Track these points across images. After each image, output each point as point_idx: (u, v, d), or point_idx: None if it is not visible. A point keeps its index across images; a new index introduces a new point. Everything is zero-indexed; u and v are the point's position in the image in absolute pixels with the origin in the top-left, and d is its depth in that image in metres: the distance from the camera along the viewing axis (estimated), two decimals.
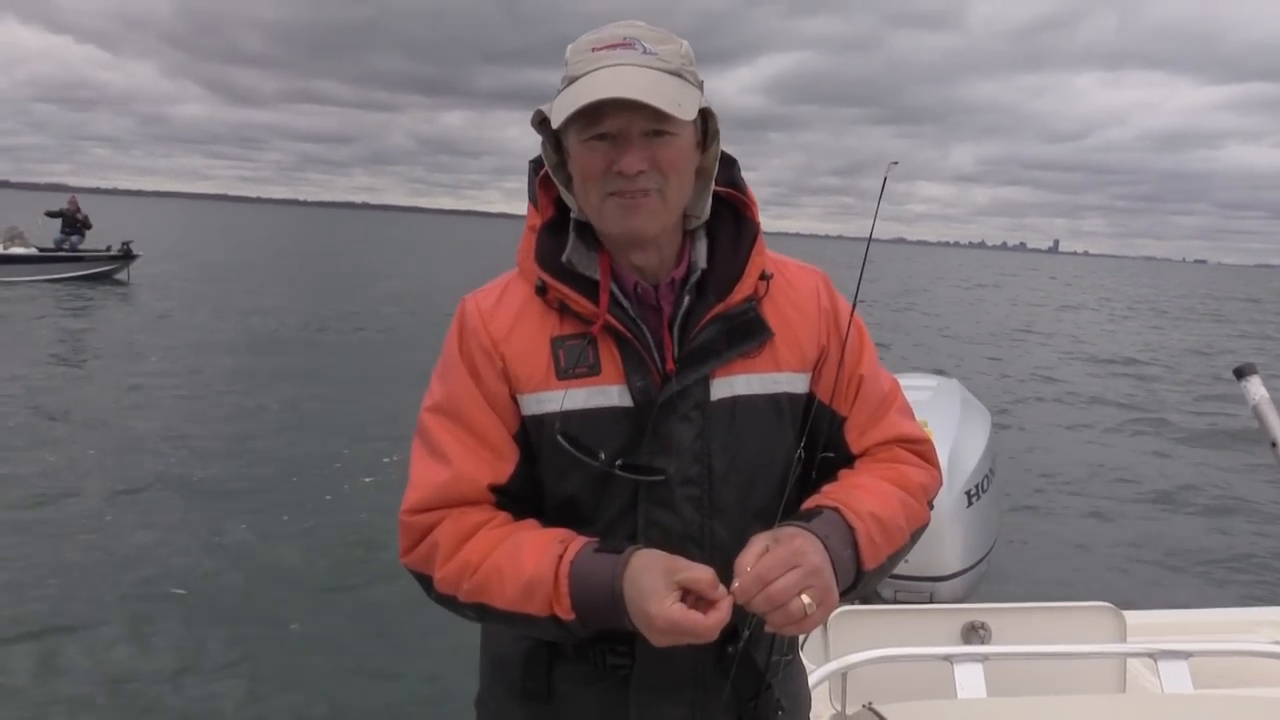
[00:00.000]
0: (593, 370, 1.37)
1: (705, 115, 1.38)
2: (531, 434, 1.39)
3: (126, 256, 27.41)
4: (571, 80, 1.32)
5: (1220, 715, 1.85)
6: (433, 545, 1.36)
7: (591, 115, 1.29)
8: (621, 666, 1.41)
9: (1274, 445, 1.62)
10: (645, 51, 1.32)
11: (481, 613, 1.35)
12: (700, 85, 1.38)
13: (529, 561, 1.29)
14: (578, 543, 1.31)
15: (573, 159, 1.36)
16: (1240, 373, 1.64)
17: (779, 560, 1.21)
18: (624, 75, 1.29)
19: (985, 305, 38.04)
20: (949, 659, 1.93)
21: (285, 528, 7.34)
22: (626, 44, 1.33)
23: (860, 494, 1.41)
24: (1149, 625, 3.08)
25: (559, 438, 1.33)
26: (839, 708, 2.20)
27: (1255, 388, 1.63)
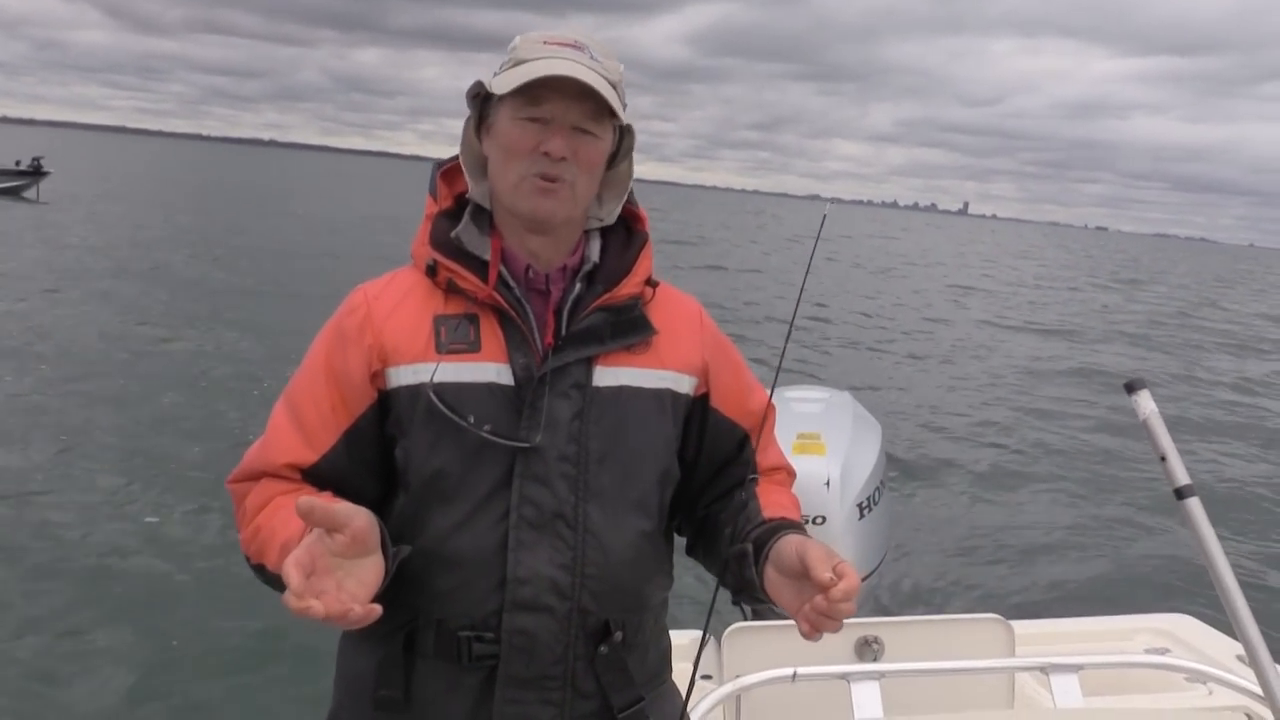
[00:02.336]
0: (472, 347, 1.40)
1: (623, 134, 1.48)
2: (402, 406, 1.40)
3: (36, 173, 25.97)
4: (518, 63, 1.39)
5: None
6: (242, 511, 1.45)
7: (532, 96, 1.37)
8: (487, 657, 1.40)
9: (1163, 459, 1.62)
10: (593, 58, 1.40)
11: (260, 572, 1.40)
12: (624, 106, 1.46)
13: (288, 527, 1.31)
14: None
15: (498, 134, 1.42)
16: (1130, 387, 1.65)
17: (857, 581, 1.24)
18: (575, 68, 1.36)
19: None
20: (845, 678, 1.90)
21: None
22: (577, 46, 1.42)
23: (797, 518, 1.51)
24: (1035, 635, 3.17)
25: (431, 395, 1.36)
26: None
27: (1145, 402, 1.65)
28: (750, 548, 1.42)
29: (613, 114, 1.40)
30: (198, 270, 18.39)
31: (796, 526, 1.44)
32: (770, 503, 1.51)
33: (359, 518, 1.21)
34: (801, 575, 1.28)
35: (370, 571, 1.24)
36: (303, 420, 1.43)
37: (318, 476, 1.43)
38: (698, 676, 1.32)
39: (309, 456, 1.42)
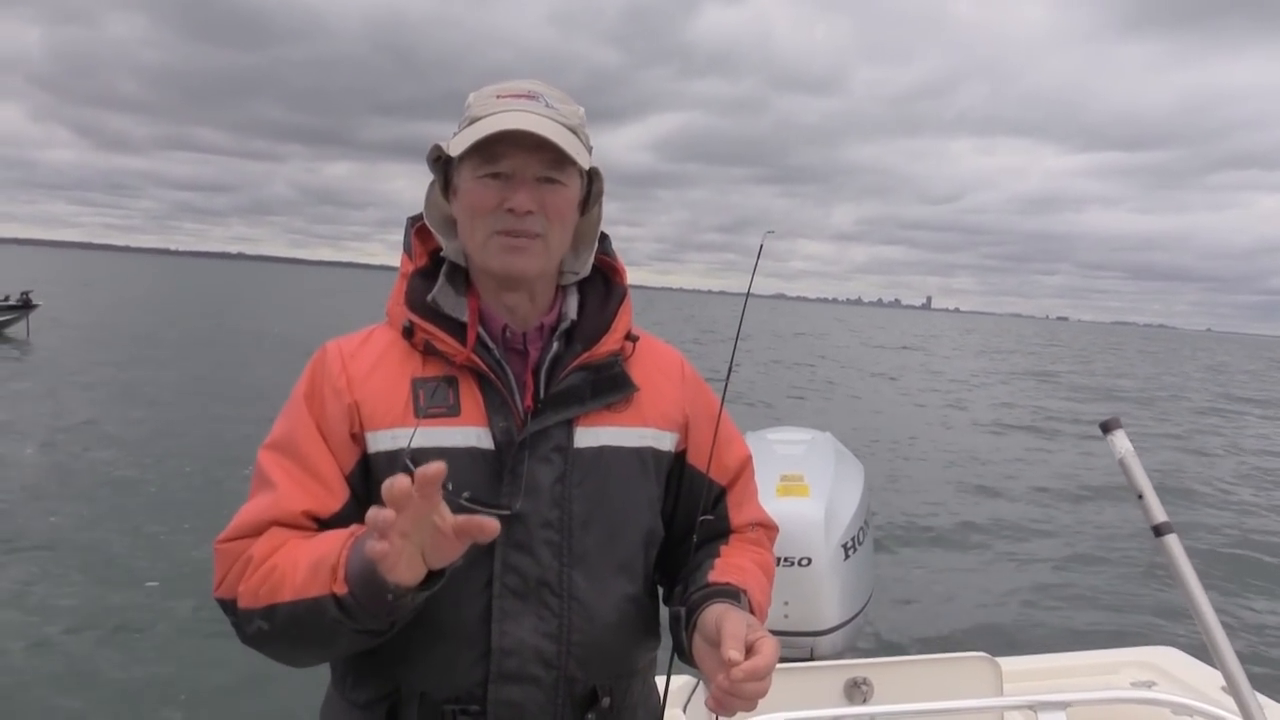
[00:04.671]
0: (452, 411, 1.35)
1: (591, 178, 1.44)
2: (380, 471, 1.32)
3: (26, 306, 24.15)
4: (474, 120, 1.36)
5: None
6: (245, 562, 1.29)
7: (489, 153, 1.34)
8: None
9: (1140, 497, 1.67)
10: (548, 105, 1.38)
11: (271, 615, 1.24)
12: (590, 150, 1.43)
13: (323, 545, 1.24)
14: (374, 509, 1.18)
15: (462, 195, 1.39)
16: (1106, 427, 1.70)
17: (772, 660, 1.19)
18: (528, 119, 1.33)
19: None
20: None
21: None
22: (531, 96, 1.38)
23: (751, 583, 1.44)
24: (1022, 672, 3.17)
25: (407, 462, 1.27)
26: None
27: (1121, 441, 1.69)
28: (683, 612, 1.39)
29: (575, 160, 1.35)
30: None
31: (732, 594, 1.37)
32: (725, 565, 1.46)
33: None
34: (718, 646, 1.22)
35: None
36: (313, 468, 1.35)
37: (334, 529, 1.32)
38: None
39: (331, 504, 1.34)
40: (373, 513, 1.02)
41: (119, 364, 20.94)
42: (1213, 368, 63.11)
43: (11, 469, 10.81)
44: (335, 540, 1.23)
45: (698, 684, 2.81)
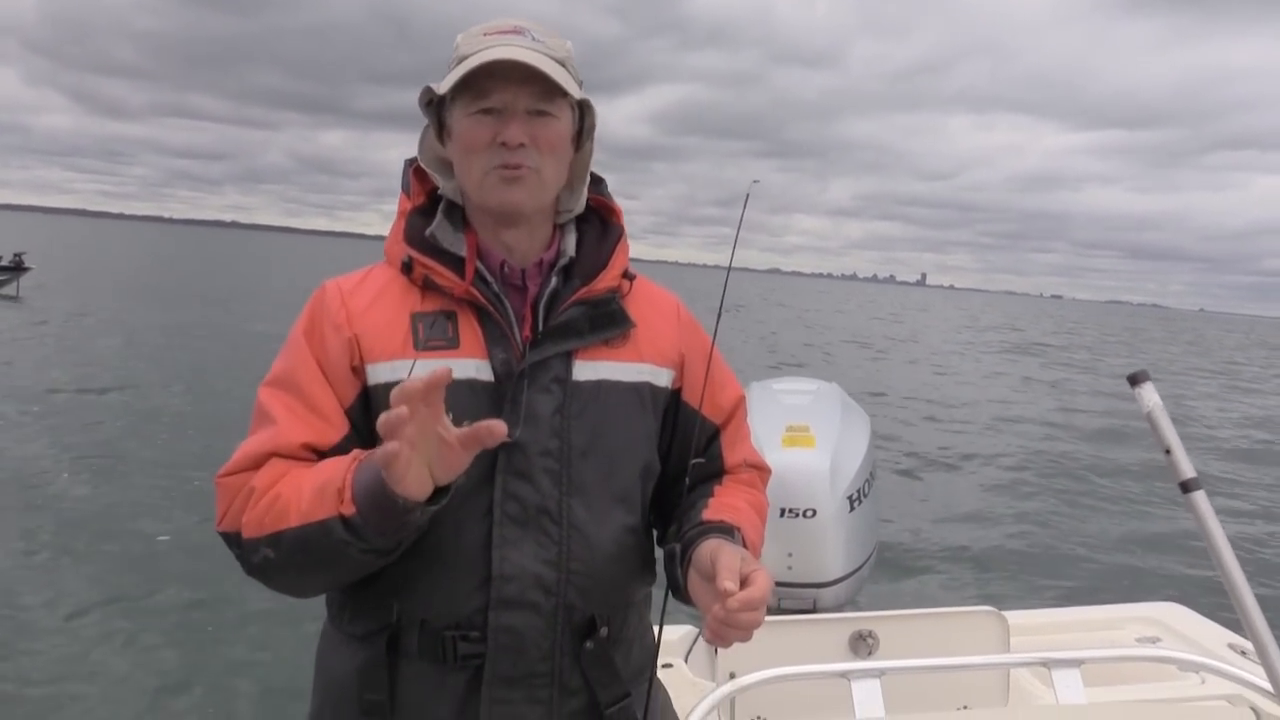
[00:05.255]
0: (451, 344, 1.38)
1: (583, 111, 1.45)
2: (380, 404, 1.34)
3: (18, 269, 25.15)
4: (462, 59, 1.37)
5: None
6: (247, 494, 1.31)
7: (479, 88, 1.35)
8: (474, 656, 1.37)
9: (1168, 452, 1.61)
10: (535, 39, 1.38)
11: (277, 542, 1.26)
12: (580, 83, 1.44)
13: (327, 469, 1.26)
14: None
15: (456, 135, 1.40)
16: (1134, 380, 1.66)
17: (765, 591, 1.21)
18: (515, 51, 1.34)
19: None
20: (846, 675, 1.87)
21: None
22: (518, 31, 1.39)
23: (744, 521, 1.46)
24: (1027, 626, 3.15)
25: None
26: None
27: (1149, 394, 1.65)
28: (678, 548, 1.42)
29: (565, 91, 1.37)
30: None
31: (727, 530, 1.40)
32: (719, 504, 1.49)
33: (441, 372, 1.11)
34: (713, 580, 1.25)
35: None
36: (312, 401, 1.36)
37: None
38: (662, 666, 1.28)
39: (331, 436, 1.35)
40: (383, 416, 1.04)
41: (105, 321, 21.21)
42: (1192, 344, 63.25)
43: None
44: (339, 464, 1.25)
45: (698, 635, 2.79)
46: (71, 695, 4.76)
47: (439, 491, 1.18)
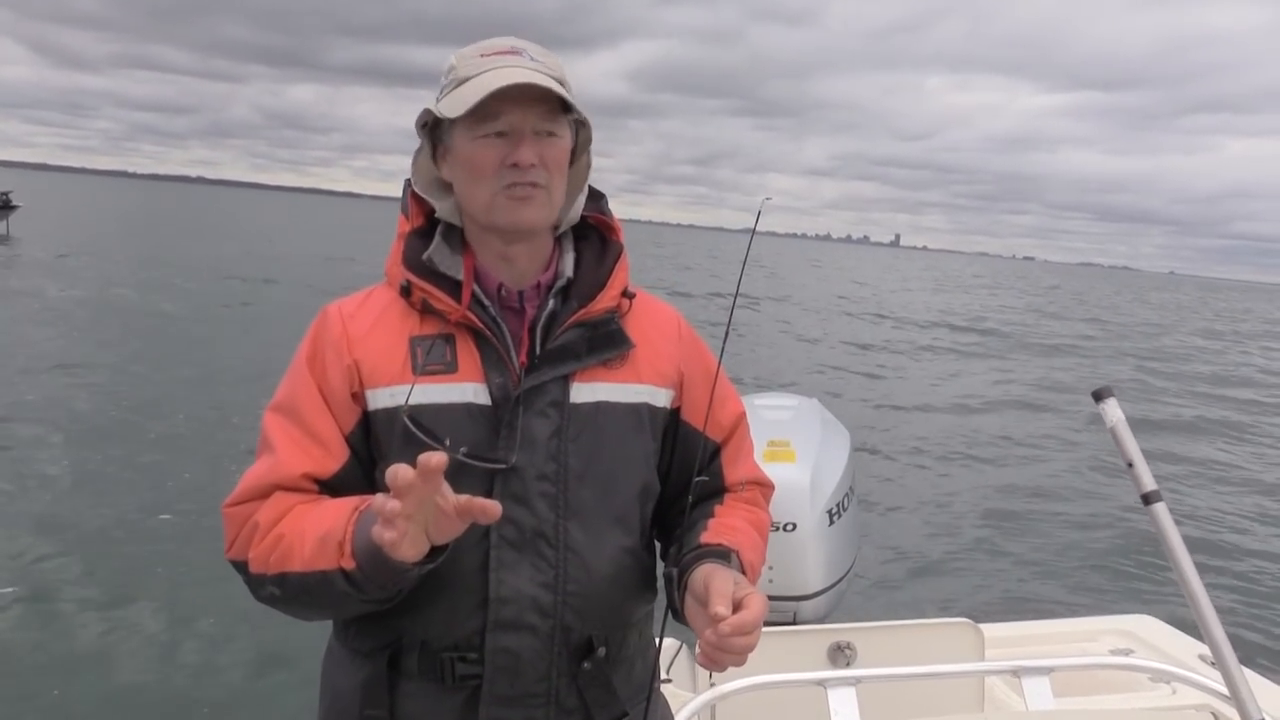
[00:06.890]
0: (449, 368, 1.39)
1: (577, 129, 1.46)
2: (380, 428, 1.39)
3: (5, 207, 24.68)
4: (461, 81, 1.37)
5: None
6: (253, 527, 1.36)
7: (486, 112, 1.35)
8: (471, 677, 1.39)
9: (1130, 465, 1.65)
10: (533, 60, 1.39)
11: (282, 583, 1.32)
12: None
13: (329, 518, 1.29)
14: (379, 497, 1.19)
15: (458, 158, 1.40)
16: (1098, 395, 1.69)
17: (759, 615, 1.23)
18: (524, 74, 1.35)
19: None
20: (823, 684, 1.90)
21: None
22: (515, 52, 1.40)
23: (743, 542, 1.46)
24: (1003, 638, 3.23)
25: (405, 420, 1.34)
26: None
27: (1112, 410, 1.68)
28: (675, 572, 1.43)
29: (568, 110, 1.40)
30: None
31: (723, 554, 1.40)
32: (718, 525, 1.49)
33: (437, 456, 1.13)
34: (706, 605, 1.26)
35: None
36: (313, 430, 1.39)
37: (334, 488, 1.39)
38: (660, 682, 1.31)
39: (330, 465, 1.38)
40: (380, 500, 1.08)
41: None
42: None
43: None
44: (340, 513, 1.27)
45: (680, 647, 2.83)
46: (72, 695, 4.74)
47: (435, 550, 1.20)
